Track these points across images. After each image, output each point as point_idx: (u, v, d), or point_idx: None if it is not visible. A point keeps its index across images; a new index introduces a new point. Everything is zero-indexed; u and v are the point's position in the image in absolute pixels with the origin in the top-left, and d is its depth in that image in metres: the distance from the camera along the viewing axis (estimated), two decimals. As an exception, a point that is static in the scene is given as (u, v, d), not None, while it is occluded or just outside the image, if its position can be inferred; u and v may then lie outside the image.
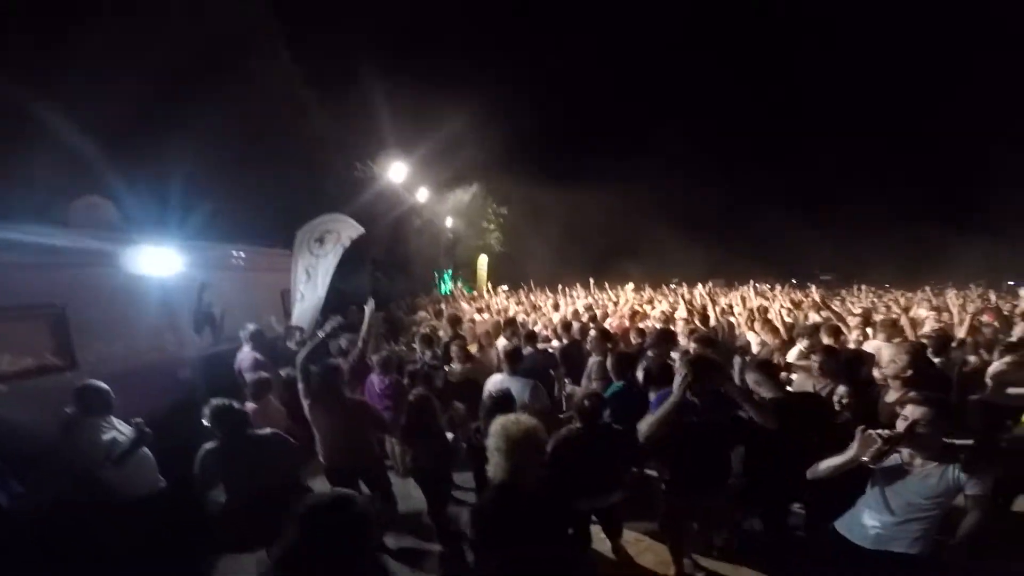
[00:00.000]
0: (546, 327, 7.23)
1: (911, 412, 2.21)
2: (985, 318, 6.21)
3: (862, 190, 31.25)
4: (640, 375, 4.22)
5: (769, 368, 3.55)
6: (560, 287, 11.62)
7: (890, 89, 34.27)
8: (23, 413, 3.64)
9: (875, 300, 11.29)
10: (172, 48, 10.09)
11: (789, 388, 4.13)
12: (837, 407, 3.23)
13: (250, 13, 12.34)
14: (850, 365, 3.86)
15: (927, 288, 10.81)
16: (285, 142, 12.76)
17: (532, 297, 11.71)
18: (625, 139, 34.88)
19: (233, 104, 11.01)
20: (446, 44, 21.54)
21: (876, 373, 4.16)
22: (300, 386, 3.63)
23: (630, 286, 11.09)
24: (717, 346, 4.79)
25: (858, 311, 7.91)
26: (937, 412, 2.15)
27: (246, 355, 5.29)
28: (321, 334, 4.23)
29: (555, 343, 6.22)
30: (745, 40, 36.80)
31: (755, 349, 5.59)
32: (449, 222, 21.35)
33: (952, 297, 8.34)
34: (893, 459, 2.24)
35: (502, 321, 6.62)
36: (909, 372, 3.41)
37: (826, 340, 4.90)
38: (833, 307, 6.90)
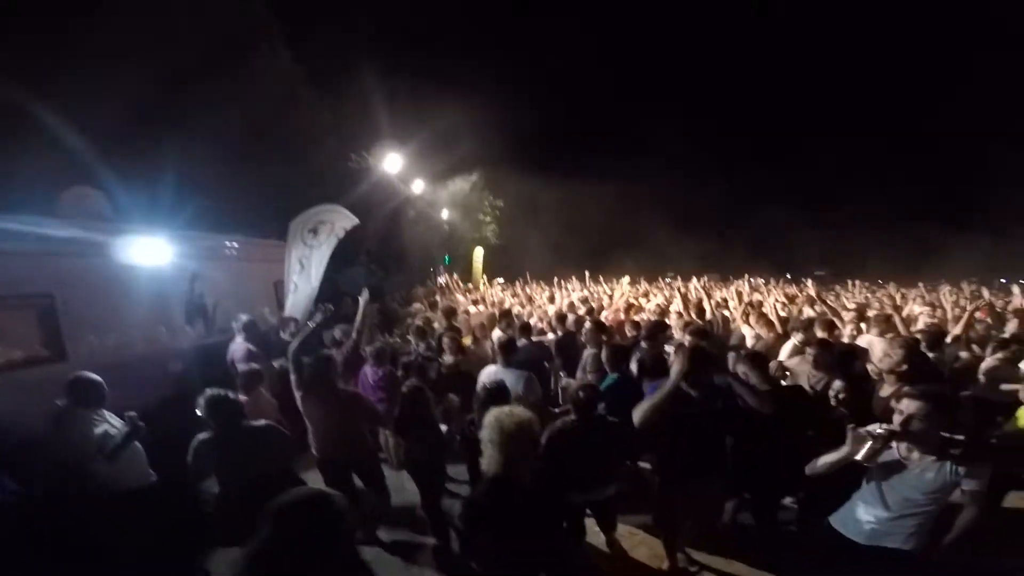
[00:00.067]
0: (541, 319, 7.22)
1: (907, 406, 2.20)
2: (978, 314, 6.24)
3: (858, 187, 31.39)
4: (634, 367, 4.21)
5: (759, 360, 3.57)
6: (556, 280, 11.59)
7: (888, 86, 34.34)
8: (11, 405, 3.59)
9: (868, 296, 11.33)
10: (166, 39, 10.03)
11: (783, 383, 4.13)
12: (833, 402, 3.23)
13: (245, 4, 12.19)
14: (844, 359, 3.86)
15: (920, 284, 10.85)
16: (280, 133, 12.65)
17: (528, 290, 11.69)
18: (622, 134, 34.84)
19: (227, 95, 10.94)
20: (443, 36, 21.39)
21: (870, 368, 4.18)
22: (292, 377, 3.60)
23: (626, 279, 11.07)
24: (712, 339, 4.79)
25: (852, 306, 7.95)
26: (933, 406, 2.14)
27: (239, 346, 5.24)
28: (311, 324, 4.19)
29: (550, 336, 6.21)
30: (743, 37, 36.74)
31: (750, 343, 5.60)
32: (445, 214, 21.27)
33: (946, 293, 8.39)
34: (890, 454, 2.23)
35: (497, 313, 6.60)
36: (904, 367, 3.42)
37: (820, 334, 4.92)
38: (828, 301, 6.91)
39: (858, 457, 2.20)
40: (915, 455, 2.18)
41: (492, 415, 2.26)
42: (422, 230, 19.94)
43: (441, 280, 14.91)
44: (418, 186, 17.82)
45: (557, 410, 3.87)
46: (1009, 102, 27.84)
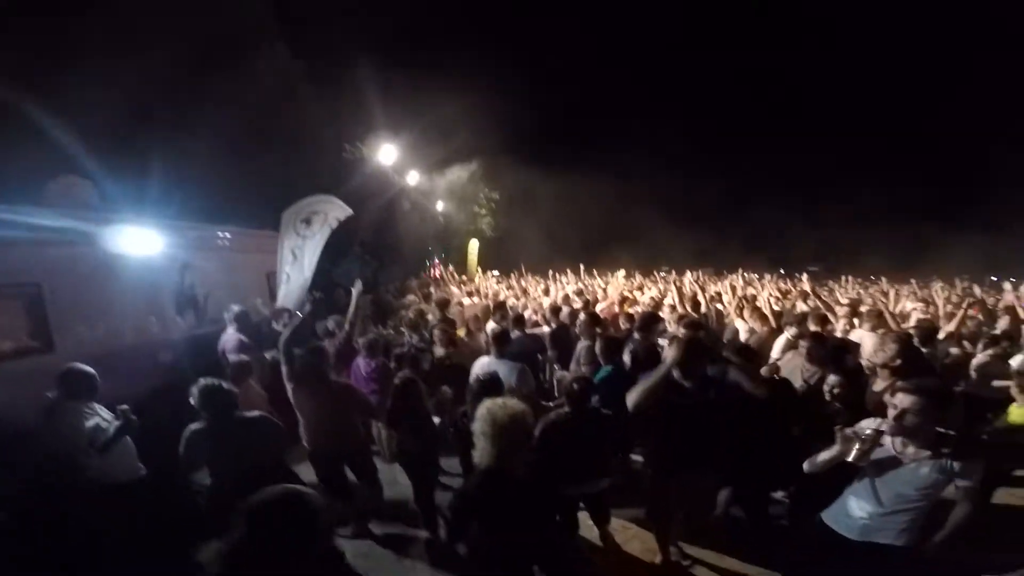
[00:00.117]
0: (536, 312, 7.21)
1: (901, 400, 2.19)
2: (970, 311, 6.28)
3: (854, 184, 31.45)
4: (627, 359, 4.21)
5: (748, 353, 3.59)
6: (550, 273, 11.58)
7: (887, 85, 34.39)
8: (-3, 396, 3.52)
9: (861, 291, 11.39)
10: (159, 29, 9.87)
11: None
12: (828, 396, 3.23)
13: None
14: (837, 353, 3.87)
15: (913, 281, 10.91)
16: (274, 123, 12.52)
17: (522, 282, 11.68)
18: (618, 128, 34.68)
19: (220, 85, 10.80)
20: (439, 26, 21.16)
21: (863, 362, 4.20)
22: (283, 368, 3.56)
23: (621, 273, 11.08)
24: (706, 332, 4.80)
25: (845, 301, 7.98)
26: (927, 400, 2.13)
27: (230, 337, 5.19)
28: (300, 314, 4.15)
29: (544, 328, 6.20)
30: (741, 32, 36.63)
31: (743, 337, 5.61)
32: (440, 206, 21.17)
33: (938, 290, 8.43)
34: (885, 450, 2.23)
35: (491, 305, 6.57)
36: (898, 361, 3.42)
37: (813, 328, 4.93)
38: (821, 296, 6.94)
39: (849, 458, 2.21)
40: (910, 450, 2.17)
41: (485, 407, 2.24)
42: (417, 221, 19.84)
43: (435, 272, 14.87)
44: (413, 177, 17.70)
45: (552, 403, 3.86)
46: (1006, 101, 27.98)
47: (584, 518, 3.43)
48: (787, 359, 4.41)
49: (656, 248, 27.18)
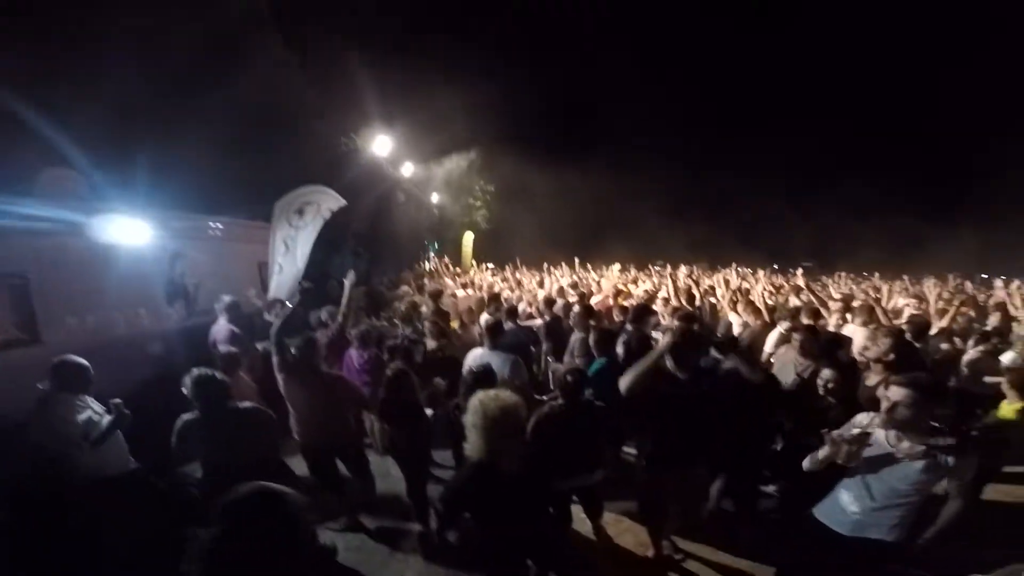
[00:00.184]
0: (530, 304, 7.19)
1: (893, 393, 2.19)
2: (962, 308, 6.31)
3: (849, 180, 31.52)
4: (620, 350, 4.20)
5: (735, 345, 3.65)
6: (545, 266, 11.56)
7: (882, 80, 34.39)
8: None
9: (854, 287, 11.45)
10: (150, 18, 9.69)
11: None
12: (821, 391, 3.23)
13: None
14: (830, 346, 3.88)
15: (905, 277, 10.97)
16: (267, 114, 12.36)
17: (517, 275, 11.65)
18: (614, 121, 34.50)
19: (214, 75, 10.66)
20: (434, 17, 20.86)
21: (857, 357, 4.21)
22: (275, 359, 3.51)
23: (616, 266, 11.08)
24: (700, 325, 4.81)
25: (838, 296, 8.02)
26: (919, 394, 2.13)
27: (221, 327, 5.14)
28: (290, 304, 4.10)
29: (538, 321, 6.19)
30: (737, 25, 36.48)
31: (737, 331, 5.63)
32: (435, 198, 21.06)
33: (930, 286, 8.49)
34: (879, 445, 2.23)
35: (486, 297, 6.55)
36: (891, 356, 3.43)
37: (806, 321, 4.95)
38: (815, 290, 6.96)
39: (839, 460, 2.22)
40: (904, 444, 2.17)
41: (476, 399, 2.22)
42: (411, 213, 19.74)
43: (430, 264, 14.82)
44: (408, 169, 17.59)
45: (546, 397, 3.84)
46: (1000, 98, 28.07)
47: (577, 511, 3.43)
48: (780, 353, 4.43)
49: (651, 241, 27.14)
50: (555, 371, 5.00)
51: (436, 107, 17.69)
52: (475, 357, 4.06)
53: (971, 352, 4.74)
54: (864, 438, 2.18)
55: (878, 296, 6.44)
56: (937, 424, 2.19)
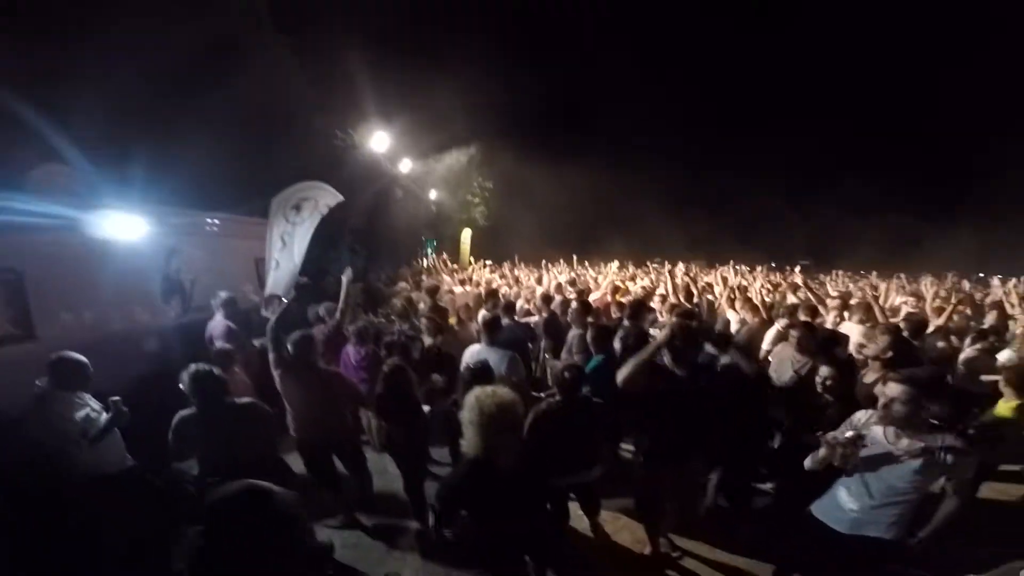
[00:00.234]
0: (528, 301, 7.18)
1: (890, 390, 2.19)
2: (959, 307, 6.32)
3: (847, 178, 31.55)
4: (618, 345, 4.20)
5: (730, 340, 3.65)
6: (543, 263, 11.56)
7: (881, 79, 34.38)
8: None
9: (851, 285, 11.47)
10: (145, 13, 9.61)
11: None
12: (819, 388, 3.22)
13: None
14: (827, 343, 3.88)
15: (902, 275, 10.98)
16: (264, 109, 12.29)
17: (515, 271, 11.65)
18: (612, 118, 34.44)
19: (209, 70, 10.58)
20: (432, 12, 20.78)
21: (853, 354, 4.21)
22: (271, 355, 3.50)
23: (614, 264, 11.08)
24: (698, 322, 4.80)
25: (835, 294, 8.03)
26: (916, 390, 2.13)
27: (218, 323, 5.12)
28: (285, 300, 4.09)
29: (535, 318, 6.18)
30: (737, 23, 36.43)
31: (734, 328, 5.62)
32: (433, 195, 21.00)
33: (927, 284, 8.51)
34: (878, 444, 2.23)
35: (483, 293, 6.53)
36: (889, 353, 3.43)
37: (803, 318, 4.95)
38: (812, 287, 6.97)
39: (834, 463, 2.22)
40: (903, 442, 2.17)
41: (472, 395, 2.20)
42: (409, 210, 19.68)
43: (427, 261, 14.80)
44: (405, 165, 17.53)
45: (543, 394, 3.84)
46: (999, 97, 28.11)
47: (574, 508, 3.42)
48: (778, 350, 4.42)
49: (649, 239, 27.14)
50: (553, 368, 4.99)
51: (435, 103, 17.60)
52: (472, 353, 4.04)
53: (968, 350, 4.75)
54: (858, 441, 2.18)
55: (876, 294, 6.44)
56: (936, 422, 2.19)
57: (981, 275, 13.60)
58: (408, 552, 3.54)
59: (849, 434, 2.20)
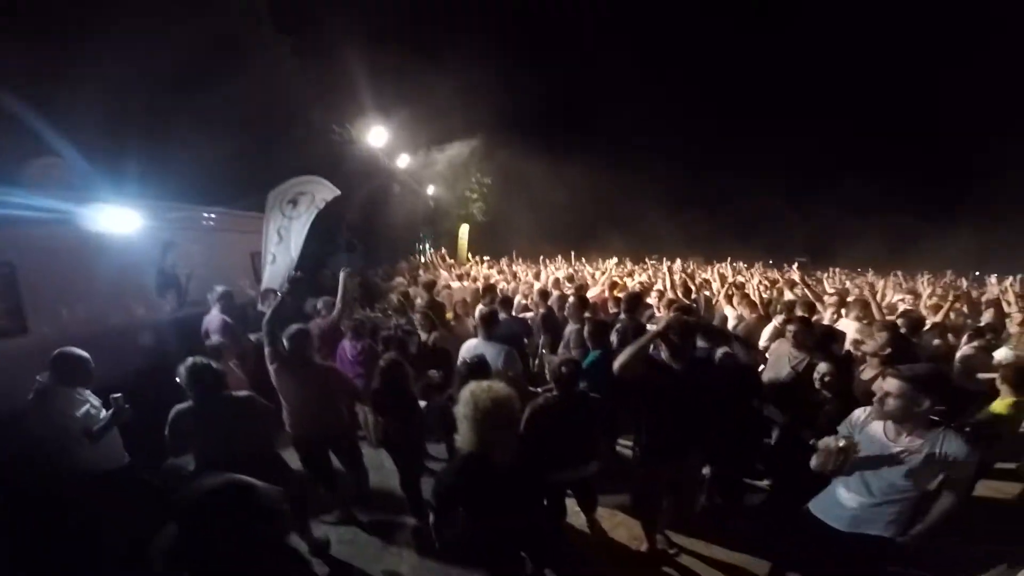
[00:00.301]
0: (526, 296, 7.16)
1: (887, 385, 2.18)
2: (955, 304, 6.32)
3: (845, 176, 31.56)
4: (615, 339, 4.19)
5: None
6: (542, 259, 11.55)
7: (880, 77, 34.35)
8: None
9: (848, 283, 11.48)
10: (141, 7, 9.54)
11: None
12: (817, 384, 3.22)
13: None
14: (824, 339, 3.87)
15: (898, 273, 10.99)
16: (260, 103, 12.22)
17: (513, 267, 11.64)
18: (611, 115, 34.39)
19: (205, 64, 10.51)
20: (430, 7, 20.67)
21: (850, 350, 4.21)
22: (266, 350, 3.47)
23: (613, 260, 11.08)
24: (696, 318, 4.80)
25: (832, 291, 8.02)
26: (911, 386, 2.11)
27: (214, 317, 5.10)
28: (280, 293, 4.07)
29: (532, 313, 6.17)
30: (736, 21, 36.34)
31: (731, 324, 5.62)
32: (430, 190, 20.94)
33: (924, 282, 8.51)
34: (878, 439, 2.22)
35: (481, 289, 6.51)
36: (888, 350, 3.43)
37: (800, 314, 4.94)
38: (809, 284, 6.97)
39: (829, 469, 2.21)
40: (903, 439, 2.16)
41: (467, 390, 2.18)
42: (407, 205, 19.62)
43: (425, 256, 14.79)
44: (403, 160, 17.47)
45: (540, 389, 3.82)
46: (998, 97, 28.11)
47: (571, 505, 3.42)
48: (775, 347, 4.41)
49: (648, 237, 27.14)
50: (550, 363, 4.99)
51: (433, 98, 17.53)
52: (469, 348, 4.02)
53: (964, 348, 4.75)
54: (849, 449, 2.17)
55: (874, 291, 6.44)
56: (936, 419, 2.18)
57: (977, 274, 13.64)
58: (404, 548, 3.52)
59: (842, 443, 2.18)
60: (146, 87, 9.65)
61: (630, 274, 10.66)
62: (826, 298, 5.79)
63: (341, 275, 4.77)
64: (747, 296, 5.71)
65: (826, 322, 5.28)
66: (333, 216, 9.91)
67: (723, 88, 36.52)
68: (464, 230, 20.35)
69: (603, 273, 8.89)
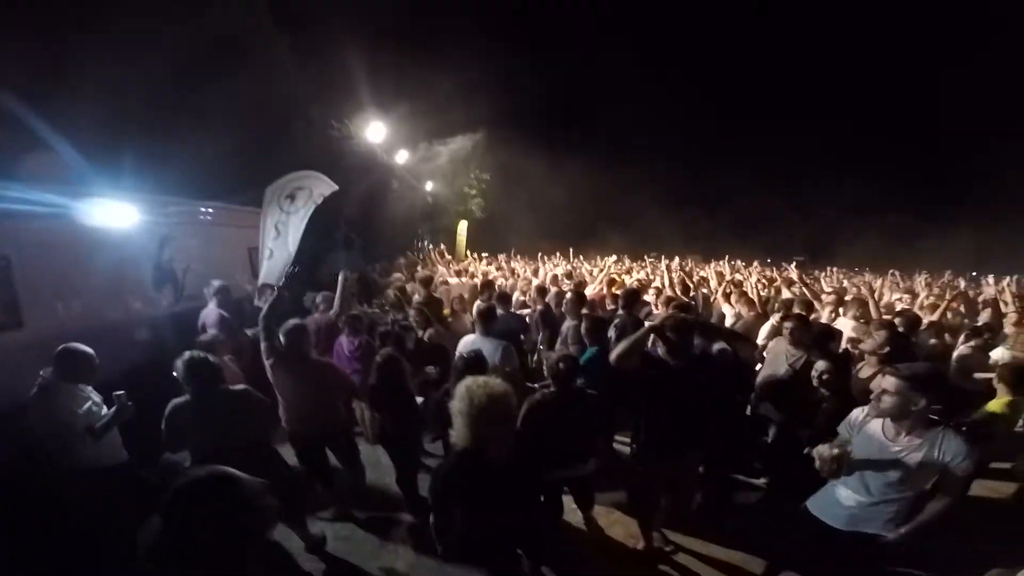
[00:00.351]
0: (524, 293, 7.15)
1: (885, 383, 2.17)
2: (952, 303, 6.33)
3: (844, 175, 31.59)
4: (612, 334, 4.18)
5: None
6: (540, 255, 11.54)
7: (879, 77, 34.37)
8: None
9: (846, 282, 11.49)
10: (140, 3, 9.51)
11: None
12: (815, 382, 3.21)
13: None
14: (821, 337, 3.86)
15: (896, 273, 11.00)
16: (258, 98, 12.17)
17: (511, 264, 11.63)
18: (610, 113, 34.45)
19: (204, 60, 10.47)
20: (429, 6, 20.60)
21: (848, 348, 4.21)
22: (262, 345, 3.45)
23: (611, 258, 11.08)
24: (695, 315, 4.81)
25: (830, 290, 8.03)
26: (908, 384, 2.10)
27: (211, 312, 5.09)
28: (276, 289, 4.05)
29: (530, 310, 6.16)
30: (736, 19, 36.31)
31: (729, 322, 5.62)
32: (429, 186, 20.89)
33: (921, 282, 8.53)
34: (876, 438, 2.21)
35: (479, 285, 6.50)
36: (886, 349, 3.42)
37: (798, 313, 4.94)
38: (807, 282, 6.98)
39: (823, 474, 2.21)
40: (902, 438, 2.15)
41: (463, 385, 2.16)
42: (405, 201, 19.57)
43: (422, 252, 14.75)
44: (402, 156, 17.43)
45: (538, 385, 3.81)
46: (996, 97, 28.15)
47: (567, 502, 3.41)
48: (772, 345, 4.41)
49: (647, 235, 27.18)
50: (548, 359, 4.98)
51: (432, 95, 17.50)
52: (466, 343, 4.01)
53: (961, 348, 4.75)
54: (843, 456, 2.17)
55: (872, 291, 6.45)
56: (935, 419, 2.17)
57: (974, 274, 13.67)
58: (401, 545, 3.51)
59: (835, 451, 2.18)
60: (145, 83, 9.59)
61: (628, 271, 10.66)
62: (824, 297, 5.79)
63: (341, 276, 4.75)
64: (745, 294, 5.71)
65: (824, 321, 5.28)
66: (331, 211, 9.89)
67: (723, 88, 36.57)
68: (462, 226, 20.32)
69: (601, 270, 8.88)
